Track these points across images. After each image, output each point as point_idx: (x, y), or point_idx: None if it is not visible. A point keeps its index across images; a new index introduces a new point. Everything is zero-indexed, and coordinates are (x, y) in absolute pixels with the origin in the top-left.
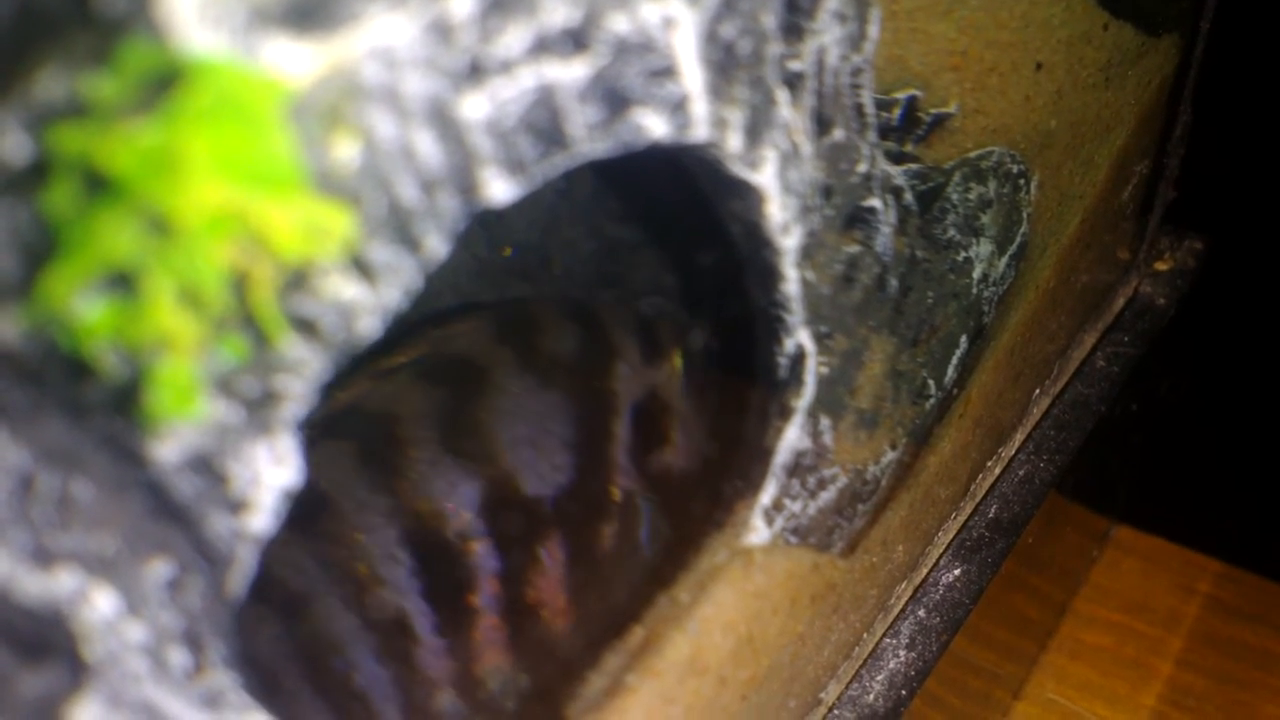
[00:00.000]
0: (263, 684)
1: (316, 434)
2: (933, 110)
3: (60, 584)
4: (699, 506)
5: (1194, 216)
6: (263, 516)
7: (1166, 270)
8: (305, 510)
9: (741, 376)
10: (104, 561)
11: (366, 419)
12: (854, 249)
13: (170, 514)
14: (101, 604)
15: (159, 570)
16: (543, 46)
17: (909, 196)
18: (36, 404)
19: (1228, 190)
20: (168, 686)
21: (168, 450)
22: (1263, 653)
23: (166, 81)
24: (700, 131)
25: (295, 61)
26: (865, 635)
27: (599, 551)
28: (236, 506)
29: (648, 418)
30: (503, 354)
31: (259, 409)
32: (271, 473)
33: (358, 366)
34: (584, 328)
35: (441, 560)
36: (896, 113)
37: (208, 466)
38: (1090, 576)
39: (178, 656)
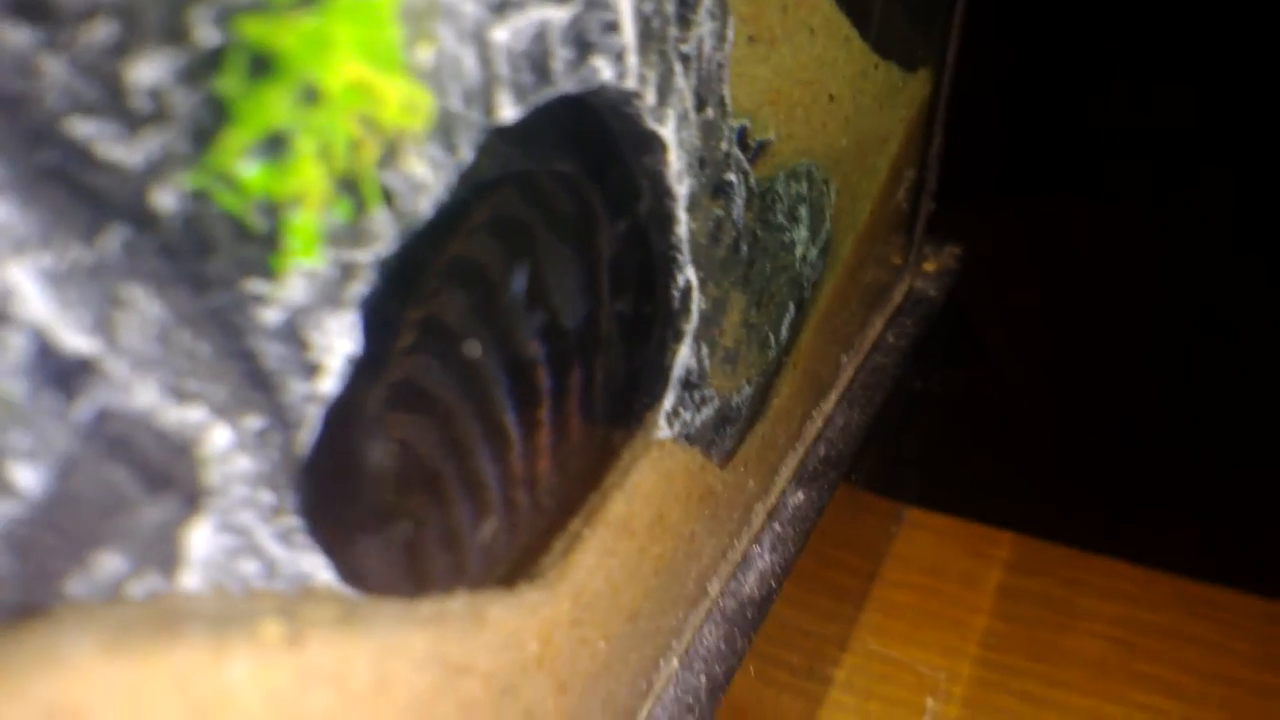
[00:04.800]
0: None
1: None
2: (758, 138)
3: (191, 416)
4: (623, 399)
5: (951, 226)
6: (332, 381)
7: (934, 270)
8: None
9: (646, 301)
10: (219, 406)
11: (465, 266)
12: (719, 212)
13: (261, 378)
14: (219, 438)
15: (252, 422)
16: None
17: (753, 180)
18: (173, 273)
19: (976, 203)
20: (259, 517)
21: (271, 318)
22: (1041, 595)
23: None
24: (631, 81)
25: None
26: (735, 543)
27: (596, 384)
28: (311, 371)
29: (614, 275)
30: (532, 214)
31: (343, 278)
32: (341, 343)
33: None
34: (574, 196)
35: (525, 381)
36: (735, 140)
37: (294, 335)
38: (891, 549)
39: (265, 495)
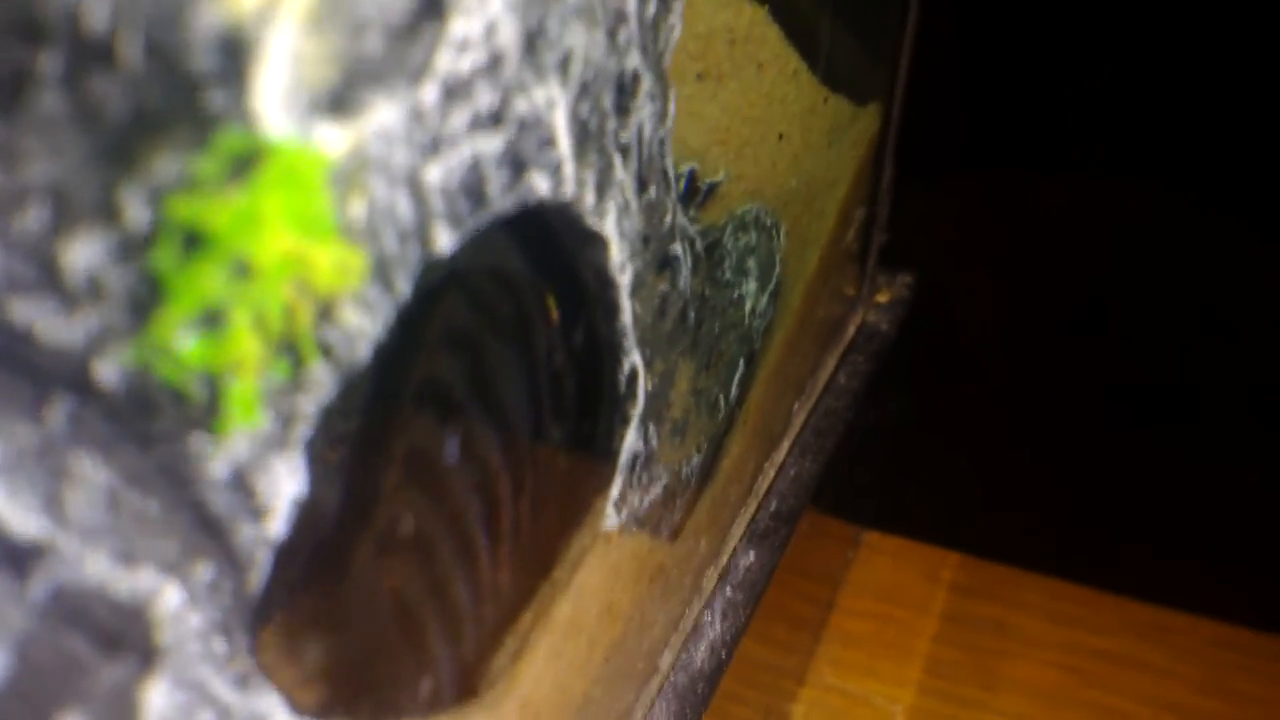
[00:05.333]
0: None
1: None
2: (707, 179)
3: (142, 580)
4: (571, 493)
5: (903, 255)
6: (279, 523)
7: (886, 301)
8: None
9: (592, 392)
10: (169, 563)
11: (407, 385)
12: (664, 287)
13: (210, 525)
14: (171, 598)
15: (203, 571)
16: (476, 124)
17: (699, 245)
18: (119, 435)
19: (928, 231)
20: (213, 669)
21: (216, 470)
22: (1001, 624)
23: (251, 159)
24: (569, 189)
25: (333, 140)
26: (687, 612)
27: (544, 482)
28: (259, 515)
29: (559, 369)
30: (473, 322)
31: (285, 427)
32: (288, 485)
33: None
34: (515, 295)
35: (475, 492)
36: (682, 184)
37: (241, 482)
38: (849, 576)
39: (218, 644)
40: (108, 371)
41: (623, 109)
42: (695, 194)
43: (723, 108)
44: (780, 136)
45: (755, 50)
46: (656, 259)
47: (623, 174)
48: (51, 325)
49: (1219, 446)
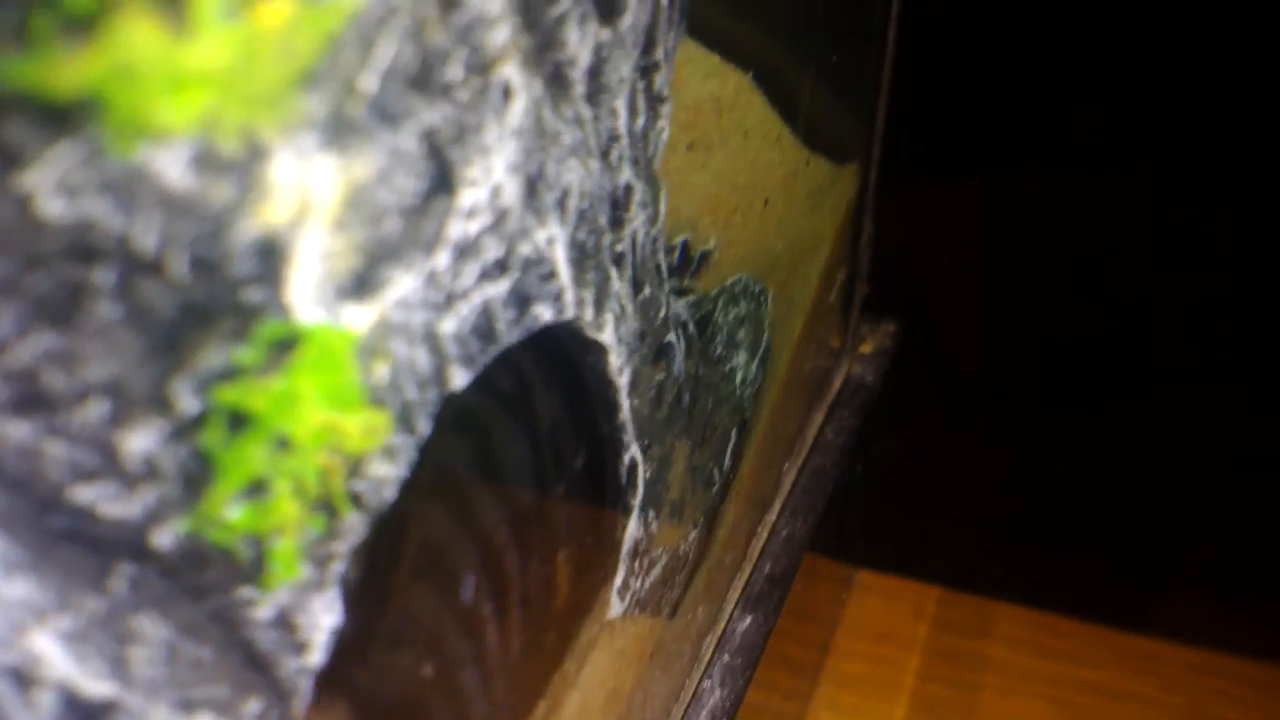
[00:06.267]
0: None
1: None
2: (700, 249)
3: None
4: (578, 588)
5: (886, 304)
6: (319, 654)
7: (870, 352)
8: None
9: (597, 489)
10: (223, 704)
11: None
12: (661, 376)
13: (256, 663)
14: None
15: (253, 705)
16: (484, 275)
17: (691, 327)
18: (174, 593)
19: (909, 280)
20: None
21: (262, 614)
22: (983, 657)
23: (288, 345)
24: (570, 312)
25: (358, 317)
26: (687, 681)
27: (551, 578)
28: (301, 649)
29: (562, 466)
30: (485, 433)
31: (321, 571)
32: (326, 619)
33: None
34: (524, 400)
35: (492, 594)
36: (676, 256)
37: (284, 621)
38: (843, 616)
39: None
40: (164, 540)
41: (617, 222)
42: (689, 264)
43: (712, 176)
44: (766, 202)
45: (741, 117)
46: (652, 352)
47: (618, 284)
48: (112, 504)
49: (1205, 479)
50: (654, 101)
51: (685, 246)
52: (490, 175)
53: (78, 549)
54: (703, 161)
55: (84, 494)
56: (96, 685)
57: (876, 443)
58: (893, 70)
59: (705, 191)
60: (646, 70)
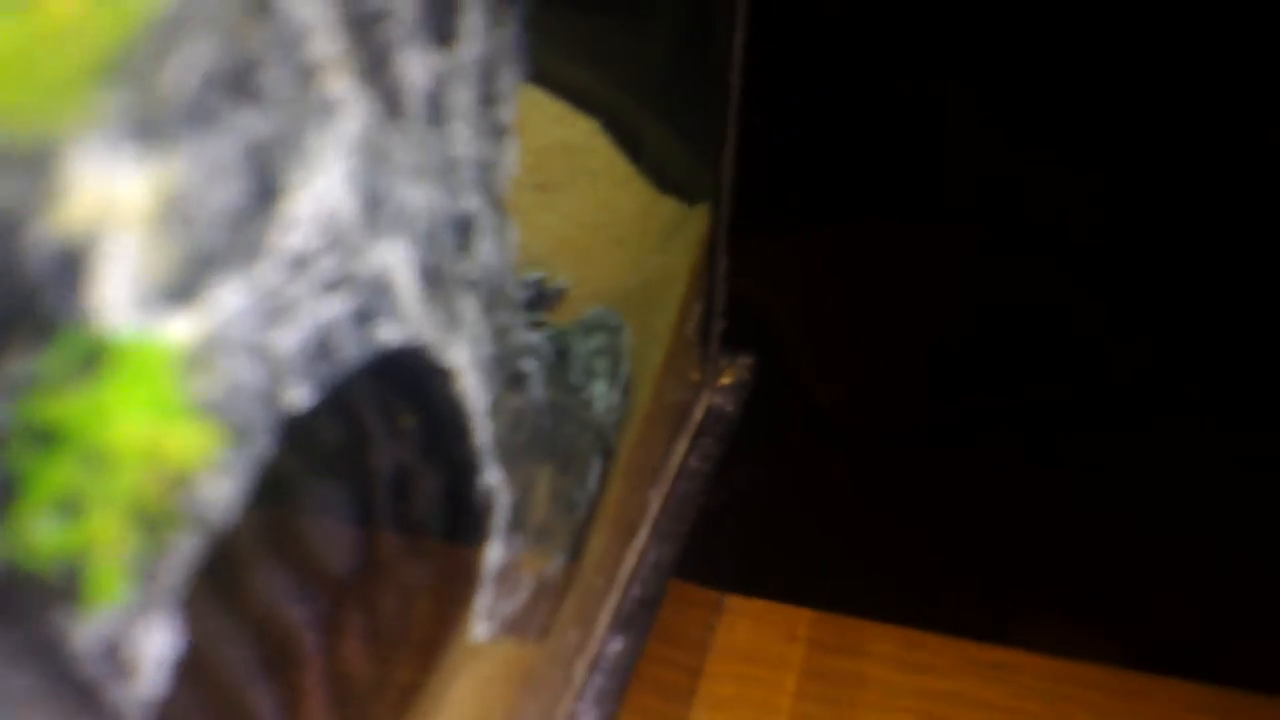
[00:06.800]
0: None
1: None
2: (552, 285)
3: None
4: (438, 612)
5: (742, 338)
6: (152, 682)
7: (730, 383)
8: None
9: (453, 512)
10: None
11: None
12: (518, 403)
13: (81, 691)
14: None
15: None
16: (321, 290)
17: (548, 356)
18: None
19: (764, 314)
20: None
21: (82, 640)
22: (858, 676)
23: (96, 355)
24: (418, 334)
25: (178, 327)
26: (559, 706)
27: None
28: (129, 677)
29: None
30: (326, 453)
31: (150, 594)
32: (157, 645)
33: None
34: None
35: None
36: (528, 292)
37: (109, 648)
38: (714, 641)
39: None
40: None
41: (465, 247)
42: (542, 300)
43: (563, 217)
44: (618, 240)
45: (589, 160)
46: (508, 377)
47: (469, 308)
48: None
49: (1063, 488)
50: (497, 132)
51: (539, 283)
52: (319, 188)
53: None
54: (552, 202)
55: None
56: None
57: (739, 471)
58: (739, 112)
59: (555, 231)
60: (487, 100)
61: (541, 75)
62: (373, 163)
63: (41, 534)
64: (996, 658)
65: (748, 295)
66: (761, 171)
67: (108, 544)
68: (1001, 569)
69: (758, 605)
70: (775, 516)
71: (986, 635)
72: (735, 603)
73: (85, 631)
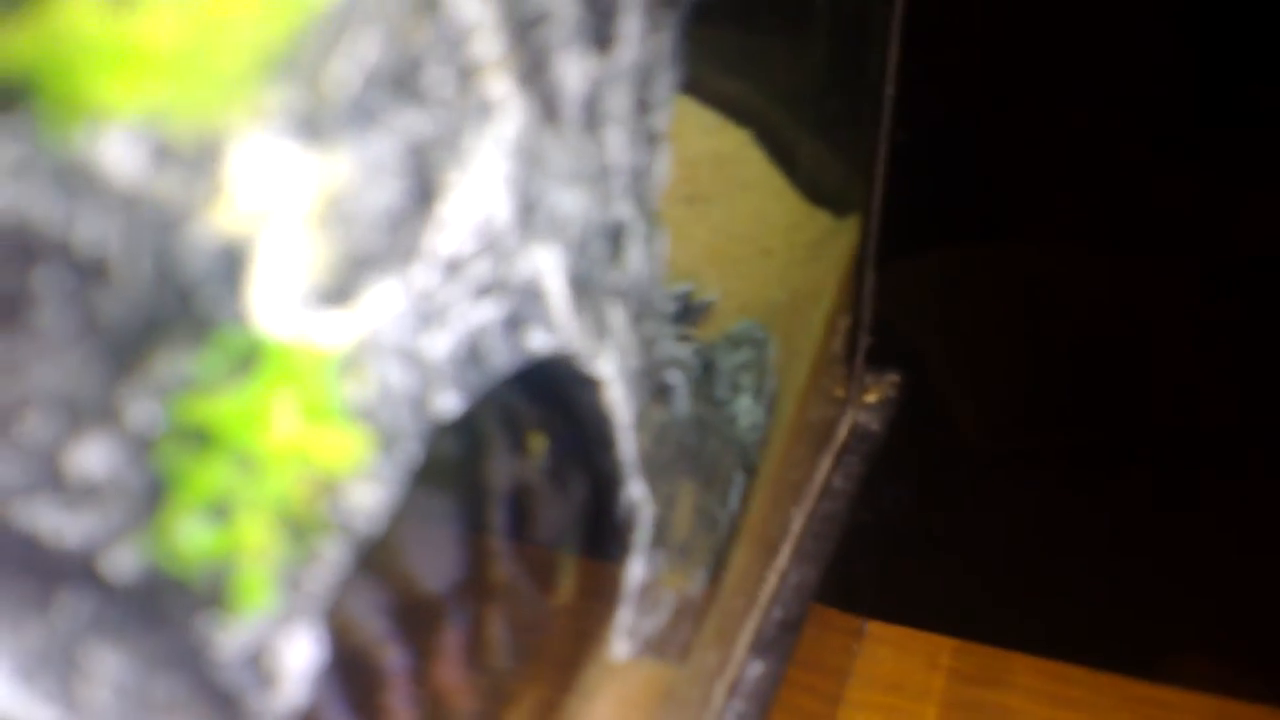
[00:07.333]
0: None
1: None
2: (700, 298)
3: None
4: (579, 629)
5: (889, 356)
6: (295, 693)
7: (876, 401)
8: None
9: (596, 526)
10: None
11: (415, 534)
12: (662, 416)
13: (222, 700)
14: None
15: None
16: (475, 296)
17: (694, 370)
18: (126, 623)
19: (912, 331)
20: None
21: (227, 648)
22: (1001, 707)
23: (251, 357)
24: (567, 341)
25: (333, 330)
26: None
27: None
28: (272, 687)
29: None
30: (476, 464)
31: (297, 604)
32: (301, 656)
33: None
34: (516, 434)
35: (483, 630)
36: (676, 305)
37: (253, 657)
38: (855, 668)
39: None
40: (115, 565)
41: (615, 256)
42: (689, 313)
43: (712, 228)
44: (768, 251)
45: (740, 171)
46: (654, 390)
47: (617, 318)
48: (59, 525)
49: (1212, 521)
50: (651, 140)
51: (686, 296)
52: (477, 190)
53: (21, 575)
54: (702, 214)
55: (26, 514)
56: (44, 717)
57: (884, 492)
58: (891, 126)
59: (705, 243)
60: (642, 107)
61: (695, 85)
62: (528, 167)
63: (189, 537)
64: (1150, 694)
65: (892, 314)
66: (908, 188)
67: (255, 549)
68: (1150, 601)
69: (900, 632)
70: (919, 541)
71: (1133, 670)
72: (878, 629)
73: (229, 639)
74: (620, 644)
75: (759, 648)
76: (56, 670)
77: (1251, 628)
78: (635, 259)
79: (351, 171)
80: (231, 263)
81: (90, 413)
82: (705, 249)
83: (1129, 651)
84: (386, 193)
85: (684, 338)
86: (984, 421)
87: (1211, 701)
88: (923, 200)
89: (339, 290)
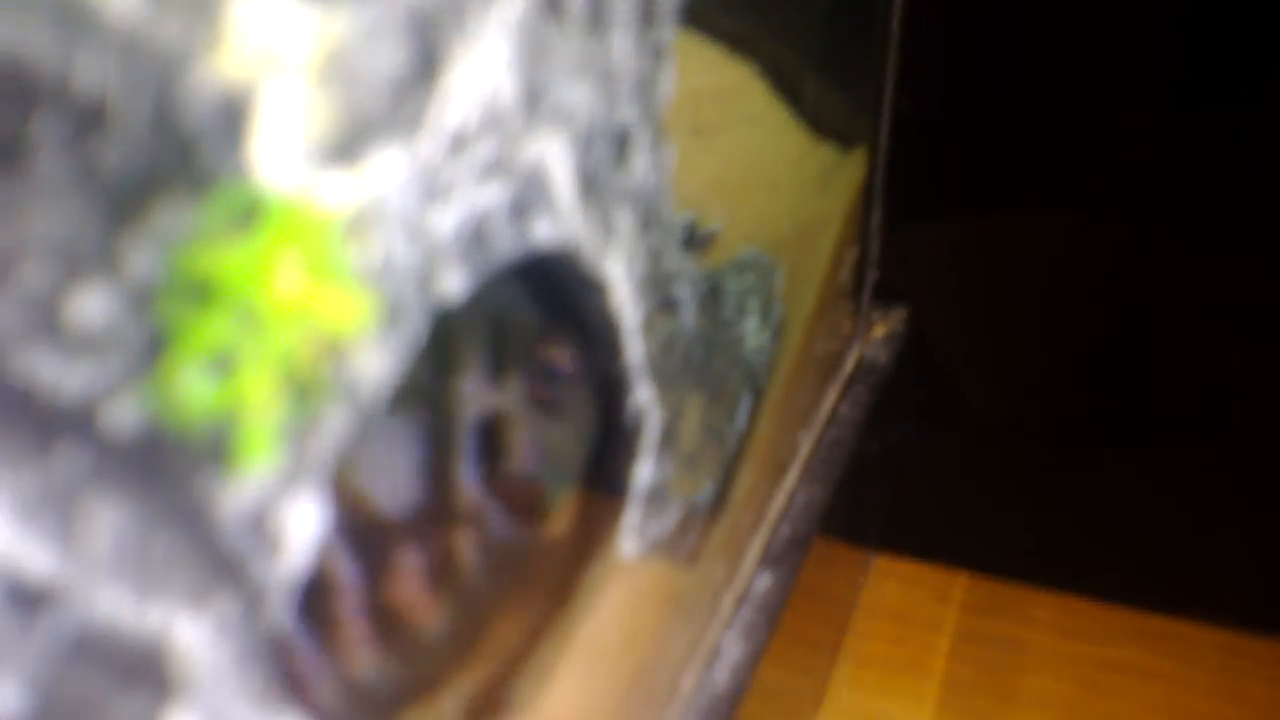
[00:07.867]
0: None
1: None
2: (706, 228)
3: (156, 616)
4: (586, 523)
5: (896, 290)
6: (296, 560)
7: (883, 335)
8: None
9: (603, 427)
10: (181, 599)
11: (421, 418)
12: (670, 326)
13: (224, 561)
14: (186, 631)
15: (218, 606)
16: (479, 174)
17: (701, 287)
18: (126, 475)
19: (919, 267)
20: (232, 698)
21: (229, 506)
22: (1014, 640)
23: (254, 210)
24: (573, 236)
25: (336, 190)
26: (706, 635)
27: (557, 510)
28: (275, 551)
29: (567, 404)
30: (481, 355)
31: (299, 467)
32: (304, 522)
33: None
34: (524, 332)
35: (486, 518)
36: (682, 232)
37: (256, 520)
38: (861, 600)
39: (237, 675)
40: (115, 417)
41: (621, 159)
42: (695, 241)
43: (717, 159)
44: (773, 184)
45: (745, 104)
46: (661, 299)
47: (624, 220)
48: (57, 374)
49: (1219, 456)
50: (656, 52)
51: (691, 225)
52: (482, 66)
53: (20, 422)
54: (708, 145)
55: (24, 361)
56: (39, 561)
57: (891, 427)
58: (899, 60)
59: (710, 174)
60: (647, 17)
61: (700, 18)
62: (533, 52)
63: (190, 390)
64: (1163, 627)
65: (904, 246)
66: (921, 121)
67: (258, 405)
68: (1160, 533)
69: (907, 566)
70: (926, 475)
71: (1148, 602)
72: (883, 563)
73: (231, 498)
74: (628, 541)
75: (768, 561)
76: (55, 514)
77: (1262, 561)
78: (641, 166)
79: (356, 28)
80: (233, 113)
81: (89, 261)
82: (711, 180)
83: (1141, 584)
84: (390, 55)
85: (690, 264)
86: (988, 392)
87: (1223, 634)
88: (934, 136)
89: (343, 150)
